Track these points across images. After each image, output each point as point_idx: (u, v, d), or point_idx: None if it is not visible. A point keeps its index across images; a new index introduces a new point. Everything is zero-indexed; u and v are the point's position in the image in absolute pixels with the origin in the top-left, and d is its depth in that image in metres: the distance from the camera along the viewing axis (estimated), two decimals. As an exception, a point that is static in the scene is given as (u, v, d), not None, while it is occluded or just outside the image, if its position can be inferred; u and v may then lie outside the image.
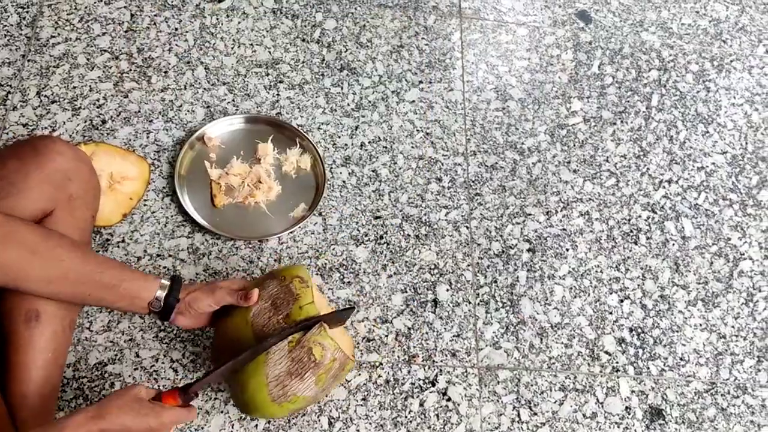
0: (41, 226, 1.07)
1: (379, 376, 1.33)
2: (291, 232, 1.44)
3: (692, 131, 1.70)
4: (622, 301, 1.47)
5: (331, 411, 1.28)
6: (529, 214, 1.54)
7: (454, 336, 1.38)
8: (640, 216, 1.57)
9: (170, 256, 1.39)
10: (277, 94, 1.60)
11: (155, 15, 1.64)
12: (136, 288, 1.09)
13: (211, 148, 1.52)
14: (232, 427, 1.24)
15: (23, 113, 1.50)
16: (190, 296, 1.13)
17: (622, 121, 1.70)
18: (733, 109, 1.75)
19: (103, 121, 1.52)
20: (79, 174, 1.15)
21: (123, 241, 1.39)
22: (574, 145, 1.65)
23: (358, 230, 1.47)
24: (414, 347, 1.36)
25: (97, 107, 1.53)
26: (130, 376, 1.27)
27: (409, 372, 1.34)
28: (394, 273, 1.44)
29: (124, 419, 0.92)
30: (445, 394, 1.32)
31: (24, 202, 1.07)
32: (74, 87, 1.53)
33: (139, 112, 1.54)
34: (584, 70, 1.76)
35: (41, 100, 1.51)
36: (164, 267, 1.37)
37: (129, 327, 1.31)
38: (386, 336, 1.37)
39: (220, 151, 1.52)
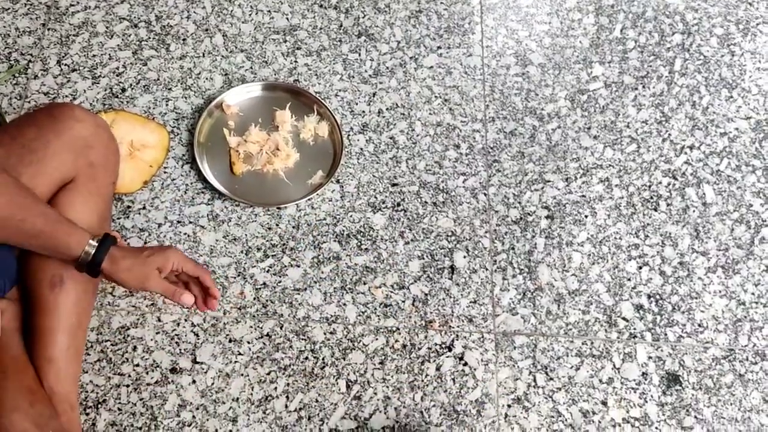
0: None
1: (396, 341, 1.34)
2: (309, 199, 1.45)
3: (715, 96, 1.67)
4: (640, 267, 1.46)
5: (348, 374, 1.30)
6: (548, 181, 1.53)
7: (470, 302, 1.39)
8: (660, 182, 1.56)
9: (190, 222, 1.41)
10: (295, 61, 1.59)
11: (173, -18, 1.64)
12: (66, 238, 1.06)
13: (229, 116, 1.52)
14: (252, 389, 1.27)
15: (44, 82, 1.51)
16: (124, 255, 1.11)
17: (643, 86, 1.68)
18: (758, 74, 1.71)
19: (123, 90, 1.53)
20: (99, 141, 1.16)
21: (144, 208, 1.41)
22: (595, 111, 1.63)
23: (375, 197, 1.48)
24: (431, 313, 1.37)
25: (117, 75, 1.54)
26: (152, 339, 1.29)
27: (425, 337, 1.35)
28: (412, 240, 1.44)
29: None
30: (461, 358, 1.33)
31: (44, 170, 1.09)
32: (94, 55, 1.54)
33: (158, 80, 1.55)
34: (606, 34, 1.73)
35: (61, 69, 1.52)
36: (185, 233, 1.39)
37: (150, 292, 1.33)
38: (403, 302, 1.38)
39: (239, 118, 1.52)
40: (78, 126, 1.14)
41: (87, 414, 1.23)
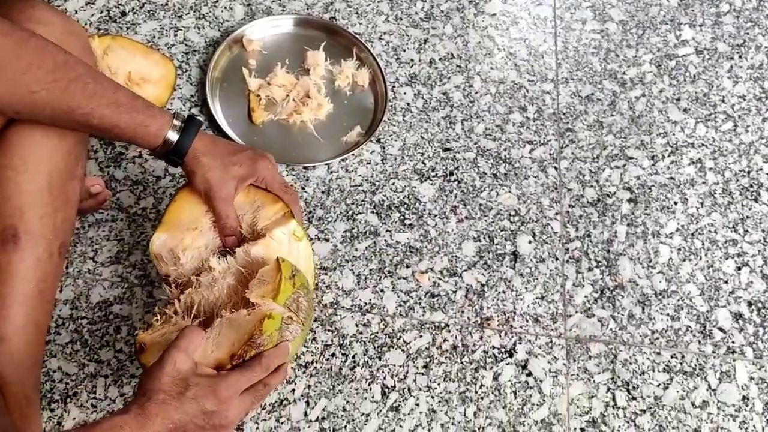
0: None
1: (445, 340, 1.08)
2: (343, 160, 1.19)
3: (827, 72, 1.41)
4: (739, 268, 1.20)
5: (385, 378, 1.04)
6: (631, 158, 1.27)
7: (537, 298, 1.13)
8: (761, 169, 1.30)
9: (196, 178, 1.14)
10: (333, -5, 1.33)
11: None
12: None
13: (250, 54, 1.25)
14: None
15: (27, -3, 1.24)
16: (207, 151, 0.91)
17: (740, 56, 1.41)
18: None
19: (123, 13, 1.26)
20: (70, 51, 0.88)
21: (140, 156, 1.14)
22: (685, 80, 1.37)
23: (423, 163, 1.21)
24: (488, 308, 1.11)
25: (116, -4, 1.27)
26: (140, 319, 1.03)
27: (481, 338, 1.09)
28: (466, 217, 1.18)
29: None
30: (524, 367, 1.07)
31: None
32: (89, -31, 1.27)
33: (167, 5, 1.28)
34: (697, -8, 1.47)
35: (49, -18, 1.25)
36: (188, 191, 1.12)
37: (142, 260, 1.07)
38: (454, 292, 1.11)
39: (262, 57, 1.26)
40: (41, 30, 0.85)
41: (51, 410, 0.96)
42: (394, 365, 1.05)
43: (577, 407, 1.06)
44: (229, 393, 0.75)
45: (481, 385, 1.05)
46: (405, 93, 1.27)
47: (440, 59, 1.31)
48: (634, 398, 1.07)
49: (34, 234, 0.85)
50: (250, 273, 0.86)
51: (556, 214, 1.20)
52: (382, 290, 1.10)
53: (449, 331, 1.08)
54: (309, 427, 0.99)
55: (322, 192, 1.16)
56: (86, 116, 0.81)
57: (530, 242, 1.17)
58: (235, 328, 0.79)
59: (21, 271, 0.84)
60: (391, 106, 1.25)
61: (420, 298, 1.10)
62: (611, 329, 1.12)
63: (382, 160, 1.21)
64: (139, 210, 1.11)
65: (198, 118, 0.91)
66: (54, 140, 0.87)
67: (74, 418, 0.96)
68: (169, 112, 0.88)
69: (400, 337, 1.07)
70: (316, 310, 1.07)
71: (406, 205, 1.18)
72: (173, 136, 0.87)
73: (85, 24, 1.23)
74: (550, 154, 1.25)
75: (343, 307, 1.08)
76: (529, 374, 1.07)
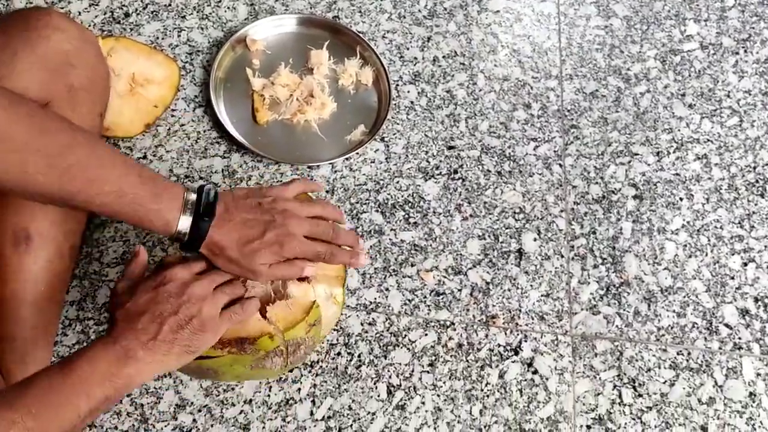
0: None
1: (450, 339, 1.08)
2: (347, 159, 1.19)
3: (833, 66, 1.40)
4: (745, 264, 1.20)
5: (390, 377, 1.04)
6: (636, 154, 1.26)
7: (542, 295, 1.12)
8: None
9: (201, 178, 1.14)
10: (336, -6, 1.33)
11: None
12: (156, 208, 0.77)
13: (254, 53, 1.25)
14: (270, 390, 1.01)
15: (33, 0, 1.25)
16: (225, 244, 0.80)
17: (745, 51, 1.41)
18: None
19: (126, 14, 1.26)
20: (84, 58, 0.89)
21: (145, 157, 1.15)
22: (690, 75, 1.36)
23: (427, 161, 1.21)
24: (493, 306, 1.11)
25: (120, -3, 1.27)
26: (147, 320, 1.03)
27: (486, 336, 1.09)
28: (471, 215, 1.17)
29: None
30: (530, 365, 1.07)
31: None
32: (93, -29, 1.27)
33: (170, 5, 1.28)
34: (702, -13, 1.46)
35: (53, -16, 1.25)
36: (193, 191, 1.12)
37: (148, 261, 1.07)
38: (459, 290, 1.11)
39: (265, 57, 1.26)
40: (56, 36, 0.86)
41: (59, 410, 0.97)
42: (400, 364, 1.05)
43: (583, 404, 1.06)
44: (202, 287, 0.75)
45: (487, 383, 1.05)
46: (409, 91, 1.27)
47: (444, 57, 1.31)
48: (640, 395, 1.07)
49: (45, 236, 0.86)
50: (274, 300, 0.85)
51: (561, 211, 1.20)
52: (387, 289, 1.10)
53: (455, 330, 1.08)
54: (315, 426, 1.00)
55: (327, 191, 1.16)
56: (86, 203, 0.74)
57: (535, 240, 1.17)
58: (238, 323, 0.80)
59: (32, 273, 0.85)
60: (395, 104, 1.25)
61: (425, 297, 1.10)
62: (617, 326, 1.12)
63: (386, 158, 1.21)
64: (144, 211, 1.11)
65: (211, 197, 0.80)
66: None
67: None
68: (181, 193, 0.78)
69: (406, 335, 1.07)
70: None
71: (410, 204, 1.17)
72: (184, 228, 0.77)
73: (89, 25, 1.23)
74: (554, 151, 1.24)
75: (349, 306, 1.08)
76: (535, 372, 1.07)
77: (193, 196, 0.78)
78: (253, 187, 0.91)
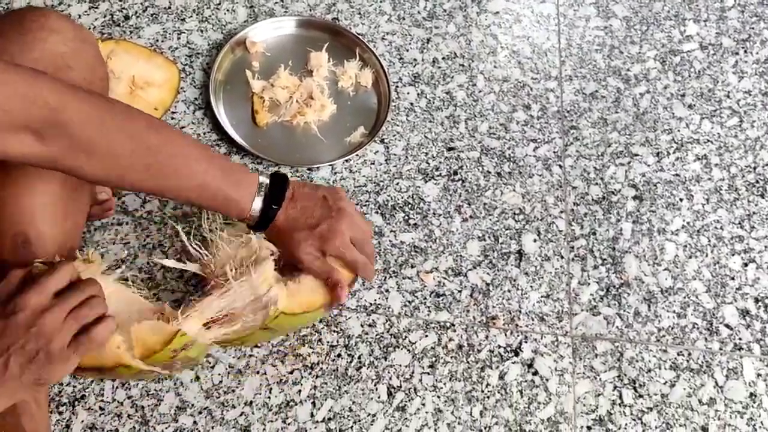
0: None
1: (451, 340, 1.08)
2: (347, 160, 1.19)
3: (833, 66, 1.40)
4: (746, 264, 1.20)
5: (391, 378, 1.04)
6: (636, 155, 1.26)
7: (542, 296, 1.12)
8: (768, 164, 1.29)
9: (201, 180, 1.14)
10: (335, -4, 1.33)
11: None
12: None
13: (253, 56, 1.26)
14: (270, 392, 1.01)
15: (30, 1, 1.24)
16: (283, 226, 0.90)
17: (745, 51, 1.41)
18: None
19: (126, 17, 1.26)
20: (81, 60, 0.88)
21: (144, 159, 1.15)
22: (690, 76, 1.36)
23: (427, 163, 1.21)
24: (493, 307, 1.11)
25: (120, 0, 1.27)
26: (147, 322, 1.03)
27: (486, 337, 1.09)
28: (471, 216, 1.18)
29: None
30: (530, 366, 1.07)
31: None
32: (93, -26, 1.28)
33: (170, 8, 1.28)
34: (701, -12, 1.46)
35: (53, -13, 1.26)
36: (193, 193, 1.13)
37: (148, 263, 1.07)
38: (459, 292, 1.11)
39: (265, 59, 1.26)
40: (53, 38, 0.85)
41: (60, 413, 0.97)
42: (400, 365, 1.05)
43: (584, 405, 1.06)
44: (53, 318, 0.72)
45: (487, 385, 1.05)
46: (408, 93, 1.27)
47: (443, 58, 1.31)
48: (640, 396, 1.07)
49: (44, 239, 0.85)
50: (160, 316, 0.85)
51: (561, 212, 1.20)
52: (387, 290, 1.10)
53: (455, 331, 1.09)
54: (315, 427, 1.00)
55: (327, 193, 1.16)
56: (174, 196, 0.84)
57: (535, 241, 1.17)
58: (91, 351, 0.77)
59: None
60: (395, 106, 1.25)
61: (425, 298, 1.10)
62: (617, 327, 1.12)
63: (386, 160, 1.21)
64: (144, 213, 1.11)
65: (281, 186, 0.90)
66: None
67: (82, 421, 0.97)
68: (255, 181, 0.87)
69: (406, 337, 1.07)
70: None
71: (410, 205, 1.18)
72: (255, 213, 0.88)
73: (89, 28, 1.23)
74: (554, 152, 1.25)
75: (348, 307, 1.08)
76: (535, 373, 1.07)
77: (266, 182, 0.88)
78: (326, 186, 0.98)
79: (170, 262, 0.91)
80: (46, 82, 0.71)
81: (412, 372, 1.05)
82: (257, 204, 0.87)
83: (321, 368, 1.03)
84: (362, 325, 1.07)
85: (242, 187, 0.86)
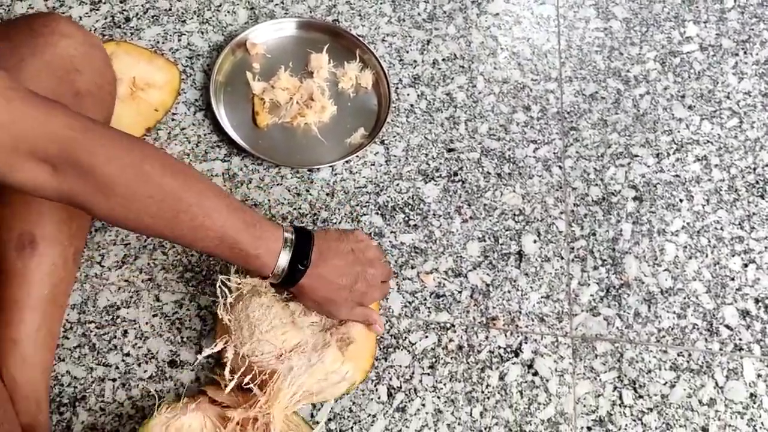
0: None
1: (451, 341, 1.08)
2: (347, 162, 1.19)
3: (833, 67, 1.40)
4: (746, 265, 1.20)
5: (391, 379, 1.04)
6: (636, 156, 1.26)
7: (542, 297, 1.12)
8: (768, 165, 1.29)
9: (201, 182, 1.14)
10: (335, -2, 1.33)
11: None
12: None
13: (254, 57, 1.26)
14: (270, 393, 1.01)
15: (32, 4, 1.25)
16: (316, 288, 0.90)
17: (745, 52, 1.41)
18: None
19: (127, 19, 1.27)
20: (90, 64, 0.90)
21: (145, 160, 1.15)
22: (689, 77, 1.36)
23: (427, 164, 1.21)
24: (493, 308, 1.11)
25: (121, 2, 1.28)
26: (147, 323, 1.03)
27: (486, 338, 1.09)
28: (471, 217, 1.18)
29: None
30: (530, 366, 1.07)
31: None
32: (94, -24, 1.28)
33: (170, 10, 1.29)
34: (701, -11, 1.46)
35: (54, -11, 1.26)
36: (194, 194, 1.13)
37: (149, 264, 1.07)
38: (459, 292, 1.11)
39: (265, 60, 1.26)
40: (63, 42, 0.87)
41: (60, 413, 0.97)
42: (400, 366, 1.05)
43: (584, 406, 1.06)
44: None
45: (487, 385, 1.05)
46: (408, 94, 1.27)
47: (443, 60, 1.31)
48: (640, 397, 1.07)
49: (50, 240, 0.87)
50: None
51: (561, 213, 1.20)
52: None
53: (455, 332, 1.09)
54: (316, 428, 1.00)
55: (327, 194, 1.17)
56: (190, 244, 0.81)
57: (535, 241, 1.17)
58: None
59: (36, 276, 0.86)
60: (395, 107, 1.26)
61: (425, 299, 1.10)
62: (617, 328, 1.12)
63: (386, 161, 1.21)
64: (145, 214, 1.12)
65: (306, 243, 0.88)
66: None
67: (83, 422, 0.97)
68: (280, 235, 0.85)
69: (406, 337, 1.07)
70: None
71: (410, 206, 1.18)
72: (279, 270, 0.86)
73: (90, 30, 1.24)
74: (554, 153, 1.25)
75: (349, 308, 1.08)
76: (536, 374, 1.07)
77: (291, 238, 0.86)
78: (344, 230, 0.97)
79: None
80: (62, 116, 0.69)
81: (412, 373, 1.05)
82: (282, 261, 0.85)
83: (321, 369, 1.03)
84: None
85: (265, 242, 0.83)
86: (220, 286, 0.91)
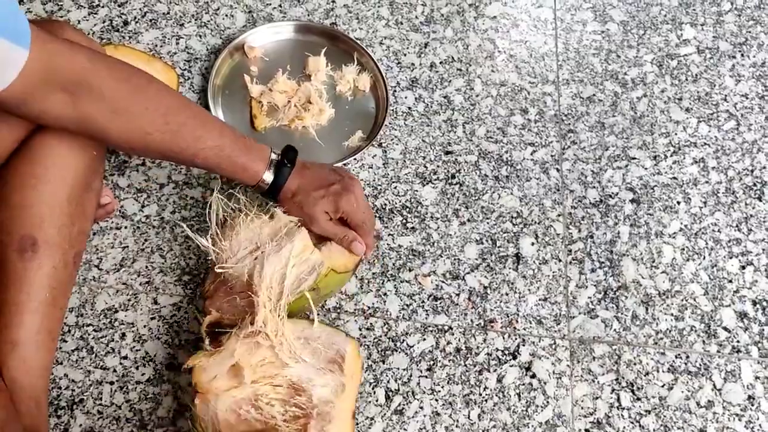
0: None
1: (448, 343, 1.08)
2: (345, 165, 1.19)
3: (830, 69, 1.41)
4: (743, 267, 1.20)
5: (389, 382, 1.04)
6: (633, 158, 1.27)
7: (540, 299, 1.13)
8: (765, 167, 1.29)
9: (200, 185, 1.15)
10: (333, 1, 1.33)
11: None
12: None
13: (252, 60, 1.26)
14: (268, 396, 1.01)
15: (30, 8, 1.25)
16: (298, 189, 0.97)
17: (742, 55, 1.41)
18: None
19: (125, 23, 1.27)
20: None
21: (143, 164, 1.15)
22: (687, 80, 1.36)
23: (425, 167, 1.22)
24: (491, 310, 1.11)
25: (119, 6, 1.28)
26: (145, 326, 1.04)
27: (484, 340, 1.09)
28: (468, 220, 1.18)
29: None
30: (528, 369, 1.07)
31: None
32: (92, -21, 1.28)
33: (168, 13, 1.29)
34: (698, -8, 1.47)
35: (52, -7, 1.26)
36: (191, 197, 1.13)
37: (146, 267, 1.08)
38: (457, 295, 1.12)
39: (263, 63, 1.26)
40: None
41: (58, 416, 0.97)
42: (398, 368, 1.05)
43: (582, 408, 1.06)
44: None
45: (485, 388, 1.05)
46: (406, 97, 1.28)
47: (441, 63, 1.32)
48: (638, 399, 1.07)
49: (51, 243, 0.87)
50: None
51: (559, 215, 1.20)
52: (385, 294, 1.11)
53: (452, 334, 1.09)
54: (313, 431, 1.00)
55: (325, 197, 1.17)
56: (192, 157, 0.90)
57: (533, 244, 1.17)
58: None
59: (37, 279, 0.86)
60: (393, 110, 1.26)
61: (423, 302, 1.11)
62: (615, 330, 1.12)
63: (383, 164, 1.21)
64: (143, 218, 1.12)
65: (293, 152, 0.98)
66: (77, 152, 0.90)
67: (80, 425, 0.97)
68: (267, 150, 0.95)
69: (404, 340, 1.07)
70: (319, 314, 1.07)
71: (408, 209, 1.18)
72: (268, 177, 0.95)
73: (88, 33, 1.24)
74: (551, 156, 1.25)
75: (347, 311, 1.09)
76: (533, 376, 1.07)
77: (278, 151, 0.96)
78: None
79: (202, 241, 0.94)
80: (82, 49, 0.81)
81: (410, 375, 1.05)
82: (270, 168, 0.94)
83: (319, 371, 1.04)
84: (360, 329, 1.07)
85: (254, 152, 0.94)
86: (208, 212, 0.96)
